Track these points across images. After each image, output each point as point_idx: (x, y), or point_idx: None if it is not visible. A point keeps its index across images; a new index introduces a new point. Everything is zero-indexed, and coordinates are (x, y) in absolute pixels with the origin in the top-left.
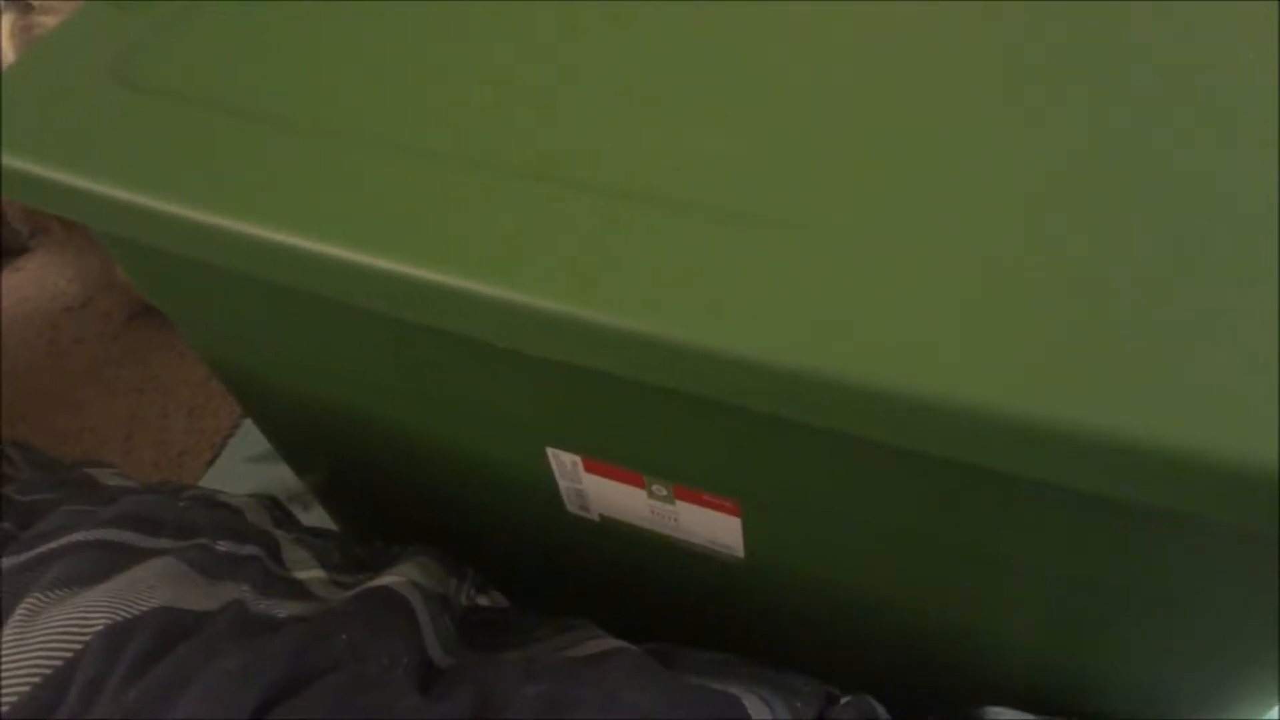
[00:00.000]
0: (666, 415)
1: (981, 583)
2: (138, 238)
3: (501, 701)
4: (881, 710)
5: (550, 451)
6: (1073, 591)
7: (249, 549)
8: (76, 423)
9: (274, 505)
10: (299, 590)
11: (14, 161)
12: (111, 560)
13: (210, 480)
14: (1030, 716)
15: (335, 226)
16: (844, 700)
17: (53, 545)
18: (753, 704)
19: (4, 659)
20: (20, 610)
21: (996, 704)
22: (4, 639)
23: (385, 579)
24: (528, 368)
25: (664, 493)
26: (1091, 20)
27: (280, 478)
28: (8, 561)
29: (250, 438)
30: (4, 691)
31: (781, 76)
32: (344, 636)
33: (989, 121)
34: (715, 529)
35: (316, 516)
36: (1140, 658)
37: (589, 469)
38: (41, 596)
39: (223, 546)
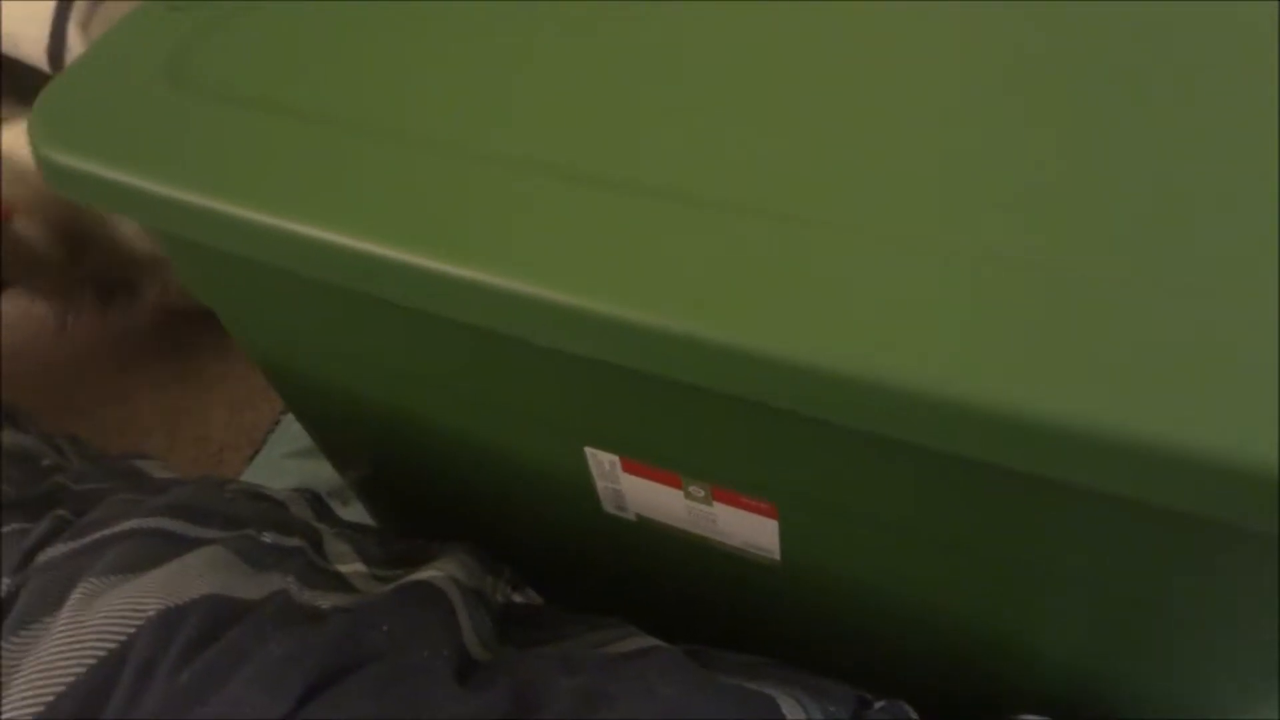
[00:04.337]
0: (706, 416)
1: (1019, 589)
2: (188, 235)
3: (539, 694)
4: (913, 715)
5: (589, 451)
6: (1112, 599)
7: (293, 541)
8: (121, 416)
9: (315, 500)
10: (340, 583)
11: (70, 160)
12: (163, 548)
13: (251, 475)
14: None
15: (382, 225)
16: (878, 705)
17: (106, 532)
18: (787, 705)
19: (62, 641)
20: (76, 593)
21: (1030, 711)
22: (61, 621)
23: (424, 573)
24: (568, 367)
25: (702, 494)
26: (1096, 19)
27: (320, 473)
28: (65, 547)
29: (290, 433)
30: (63, 671)
31: (807, 76)
32: (385, 627)
33: (1008, 120)
34: (752, 531)
35: (355, 512)
36: (1177, 665)
37: (627, 469)
38: (97, 581)
39: (268, 538)
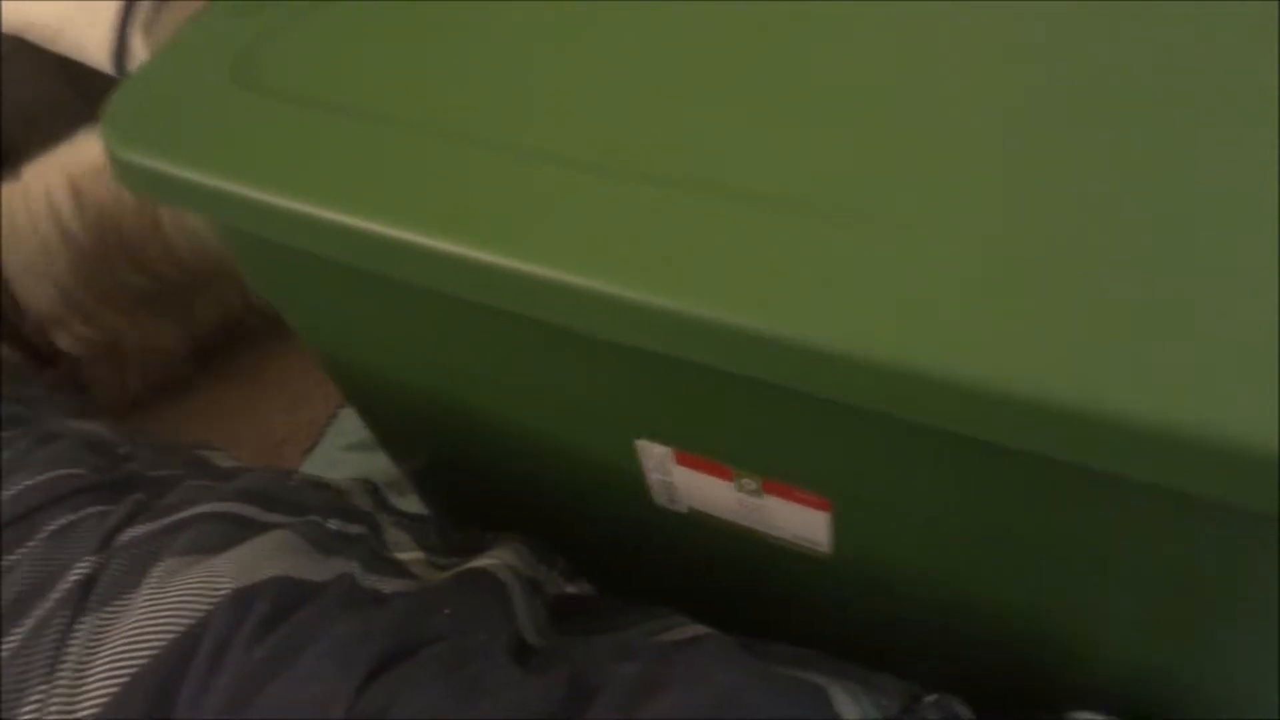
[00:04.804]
0: (759, 409)
1: (1074, 583)
2: (255, 231)
3: (596, 678)
4: (965, 710)
5: (641, 444)
6: (1170, 593)
7: (355, 528)
8: (183, 411)
9: (374, 489)
10: (401, 569)
11: (142, 159)
12: (234, 531)
13: (309, 467)
14: None
15: (444, 222)
16: (927, 699)
17: (182, 515)
18: (837, 695)
19: (144, 616)
20: (156, 572)
21: (1083, 708)
22: (142, 598)
23: (482, 562)
24: (623, 360)
25: (753, 486)
26: (1115, 16)
27: (376, 465)
28: (143, 528)
29: (347, 426)
30: (145, 645)
31: (836, 71)
32: (446, 611)
33: (1046, 120)
34: (802, 524)
35: (410, 503)
36: (1233, 662)
37: (679, 461)
38: (174, 561)
39: (332, 524)
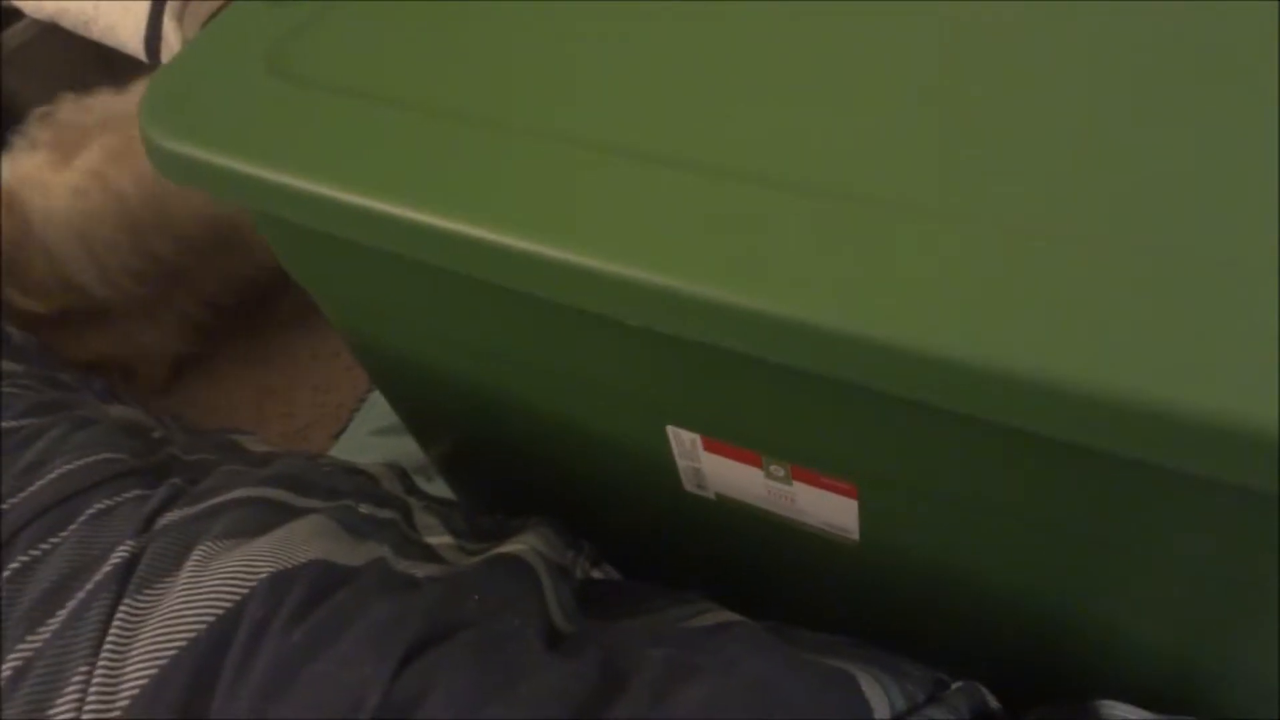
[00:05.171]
0: (789, 395)
1: (1100, 570)
2: (289, 217)
3: (627, 662)
4: (991, 698)
5: (670, 430)
6: (1198, 581)
7: (386, 513)
8: (211, 395)
9: (403, 474)
10: (431, 554)
11: (178, 147)
12: (271, 516)
13: (337, 451)
14: (1145, 713)
15: (476, 208)
16: (954, 686)
17: (218, 500)
18: (866, 682)
19: (183, 599)
20: (195, 556)
21: (1110, 698)
22: (182, 581)
23: (511, 547)
24: (654, 346)
25: (781, 473)
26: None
27: (405, 450)
28: (181, 512)
29: (374, 412)
30: (185, 627)
31: (887, 65)
32: (476, 597)
33: (1063, 114)
34: (831, 510)
35: (438, 488)
36: (1266, 655)
37: (708, 448)
38: (212, 545)
39: (364, 509)
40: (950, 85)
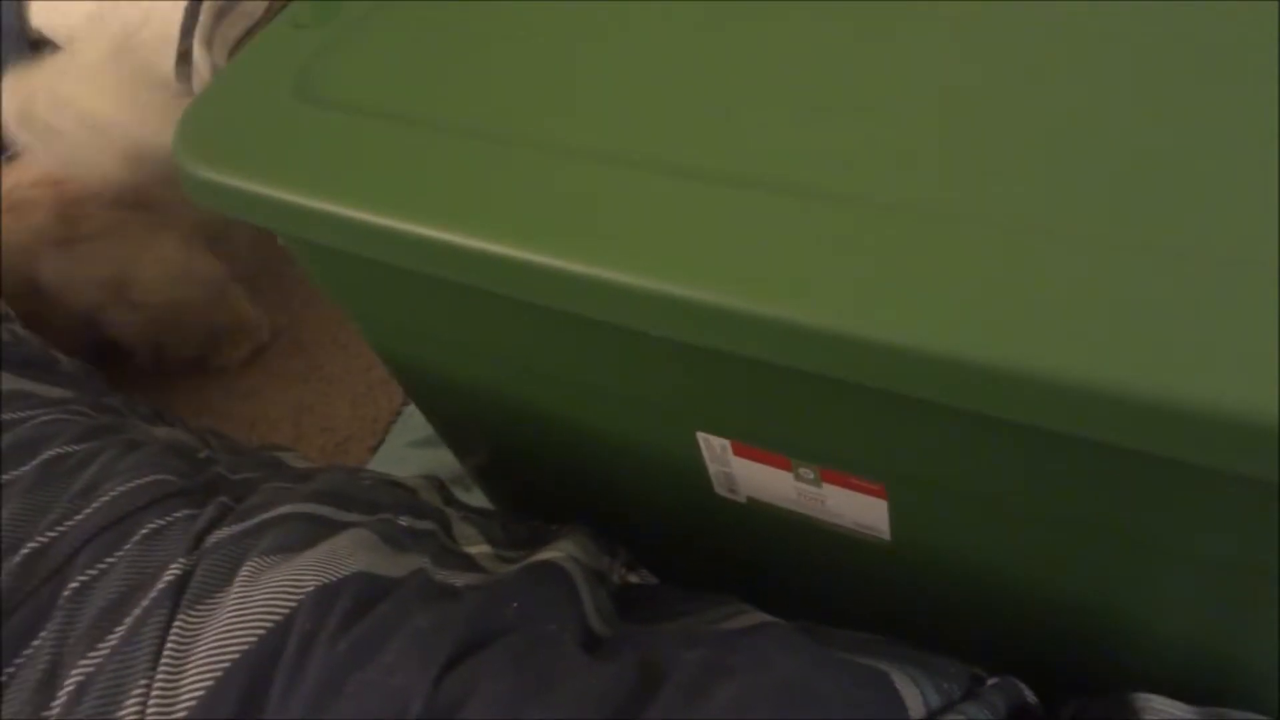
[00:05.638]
0: (816, 400)
1: (1133, 566)
2: (322, 240)
3: (663, 664)
4: (1028, 692)
5: (701, 436)
6: (1229, 576)
7: (425, 524)
8: (251, 412)
9: (441, 486)
10: (470, 563)
11: (212, 175)
12: (315, 531)
13: (376, 464)
14: (1182, 705)
15: (506, 226)
16: (990, 682)
17: (265, 517)
18: (901, 680)
19: (235, 613)
20: (243, 571)
21: (1147, 690)
22: (232, 596)
23: (548, 554)
24: (682, 356)
25: (811, 476)
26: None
27: (441, 461)
28: (229, 530)
29: (411, 424)
30: (238, 640)
31: (890, 70)
32: (515, 604)
33: (1062, 115)
34: (861, 512)
35: (475, 497)
36: None
37: (738, 453)
38: (260, 560)
39: (404, 521)
40: (955, 87)
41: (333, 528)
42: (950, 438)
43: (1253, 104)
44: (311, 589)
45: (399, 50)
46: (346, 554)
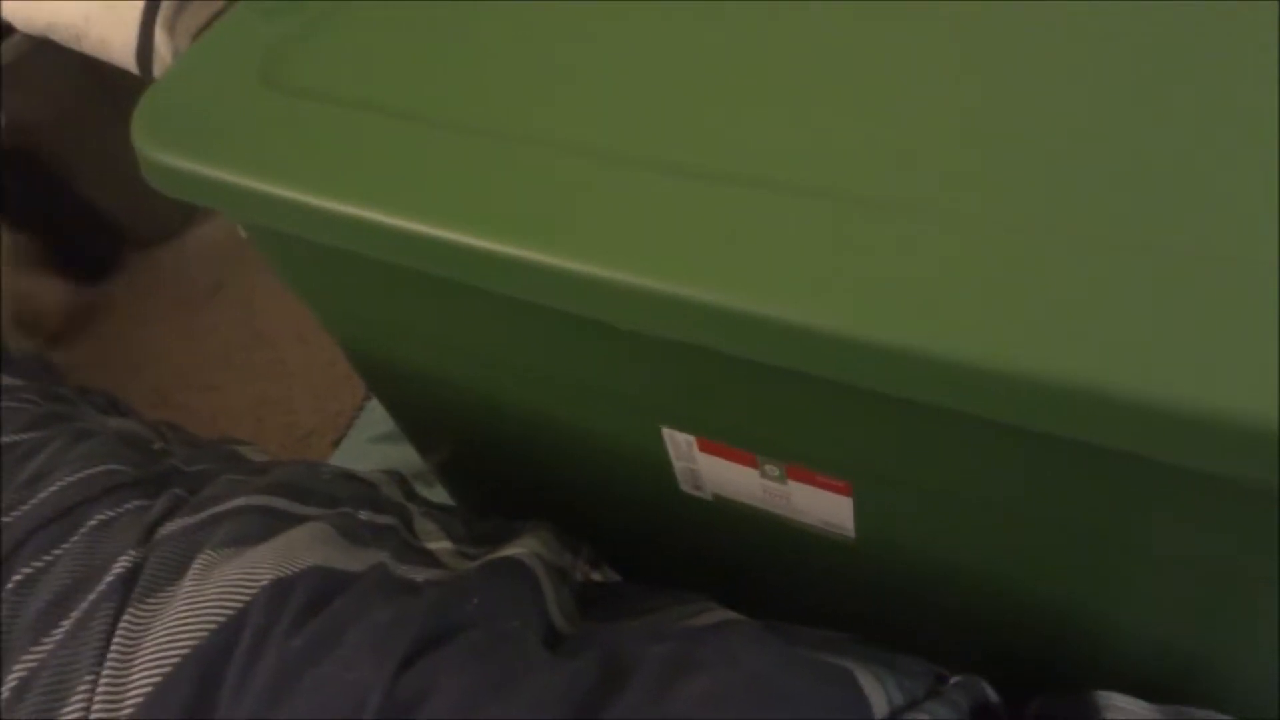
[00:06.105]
0: (782, 396)
1: (1098, 565)
2: (284, 229)
3: (629, 659)
4: (991, 691)
5: (666, 432)
6: (1194, 577)
7: (386, 519)
8: (212, 405)
9: (402, 481)
10: (431, 559)
11: (173, 160)
12: (271, 523)
13: (338, 459)
14: (1144, 704)
15: (470, 216)
16: (953, 681)
17: (219, 509)
18: (865, 679)
19: (186, 607)
20: (196, 565)
21: (1109, 689)
22: (184, 590)
23: (510, 550)
24: (647, 349)
25: (776, 473)
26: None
27: (403, 457)
28: (183, 522)
29: (373, 419)
30: (189, 635)
31: (873, 65)
32: (475, 600)
33: (1056, 113)
34: (826, 509)
35: (437, 494)
36: (1265, 647)
37: (703, 449)
38: (213, 553)
39: (363, 515)
40: (948, 86)
41: (290, 521)
42: (918, 435)
43: (1253, 104)
44: (266, 583)
45: (369, 37)
46: (304, 547)
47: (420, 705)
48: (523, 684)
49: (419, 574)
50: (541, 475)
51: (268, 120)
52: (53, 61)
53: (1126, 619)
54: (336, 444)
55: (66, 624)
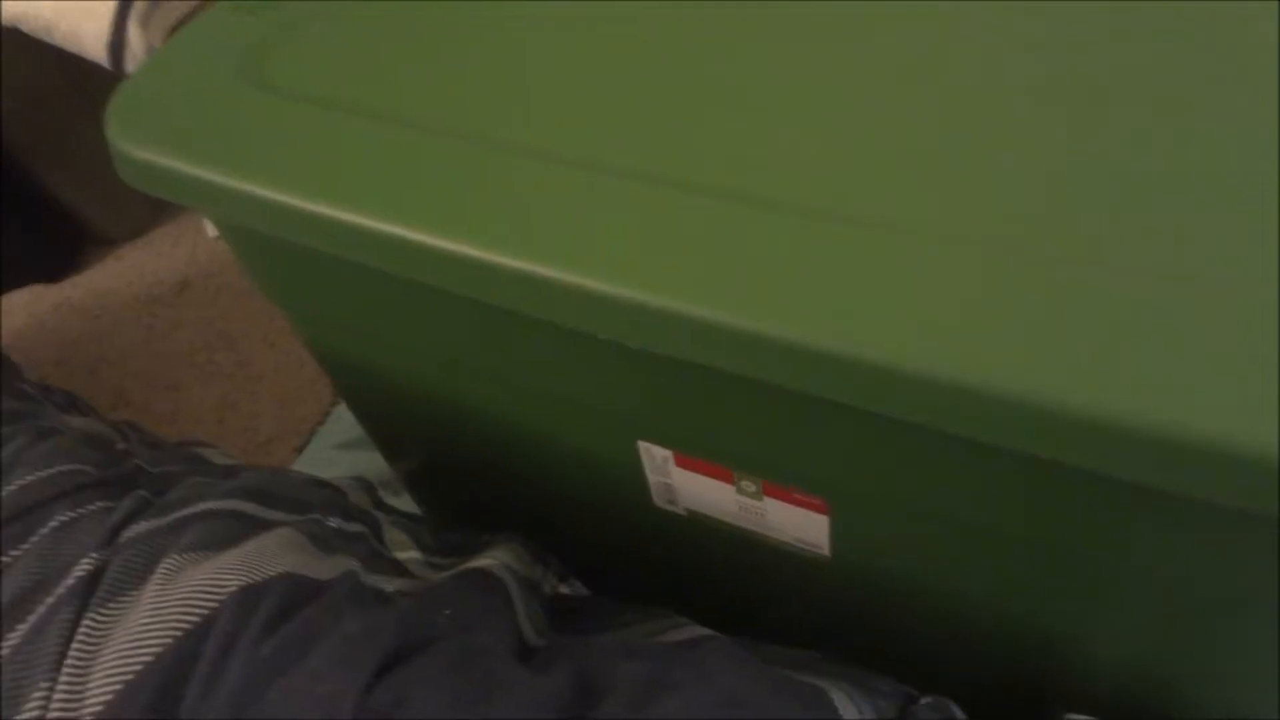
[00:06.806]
0: (759, 411)
1: (1071, 585)
2: (257, 228)
3: (603, 677)
4: (959, 713)
5: (642, 445)
6: (1168, 598)
7: (355, 527)
8: (172, 406)
9: (370, 488)
10: (400, 569)
11: (145, 155)
12: (239, 529)
13: (300, 465)
14: None
15: (445, 220)
16: (923, 701)
17: (185, 512)
18: (838, 697)
19: (150, 613)
20: (161, 569)
21: (1077, 710)
22: (148, 595)
23: (482, 561)
24: (625, 360)
25: (752, 489)
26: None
27: (370, 465)
28: (148, 524)
29: (339, 426)
30: (152, 641)
31: (852, 76)
32: (448, 612)
33: (1049, 124)
34: (802, 526)
35: (404, 502)
36: (1232, 667)
37: (679, 464)
38: (180, 557)
39: (333, 523)
40: (932, 99)
41: (259, 526)
42: (895, 453)
43: (1252, 118)
44: (234, 589)
45: (348, 37)
46: (273, 554)
47: (394, 718)
48: (497, 698)
49: (389, 584)
50: (512, 485)
51: (245, 118)
52: (20, 53)
53: (1097, 640)
54: (299, 450)
55: (23, 628)
